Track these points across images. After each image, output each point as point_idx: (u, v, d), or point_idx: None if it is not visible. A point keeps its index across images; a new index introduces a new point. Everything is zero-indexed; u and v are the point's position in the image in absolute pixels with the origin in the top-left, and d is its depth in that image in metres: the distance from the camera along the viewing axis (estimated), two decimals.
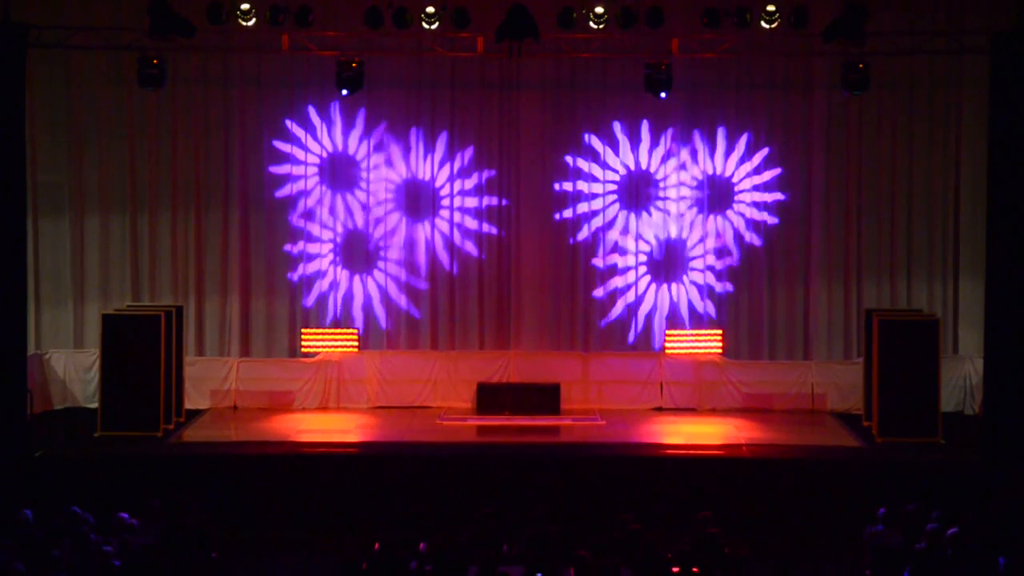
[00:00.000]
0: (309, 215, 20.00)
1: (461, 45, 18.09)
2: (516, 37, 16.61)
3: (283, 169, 20.01)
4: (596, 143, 19.95)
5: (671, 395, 19.69)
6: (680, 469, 16.25)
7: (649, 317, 20.05)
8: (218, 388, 19.67)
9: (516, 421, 18.66)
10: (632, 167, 19.95)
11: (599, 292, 20.06)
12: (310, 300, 20.00)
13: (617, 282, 20.08)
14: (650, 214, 19.94)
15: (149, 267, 19.98)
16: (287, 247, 19.99)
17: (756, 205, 19.97)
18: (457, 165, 20.05)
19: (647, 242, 20.00)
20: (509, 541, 12.38)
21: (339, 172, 20.00)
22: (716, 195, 19.93)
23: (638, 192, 19.95)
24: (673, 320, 19.92)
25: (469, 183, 20.06)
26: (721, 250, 20.00)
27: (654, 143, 19.92)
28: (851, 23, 16.71)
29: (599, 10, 16.90)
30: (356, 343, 19.46)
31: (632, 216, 19.95)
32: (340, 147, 19.99)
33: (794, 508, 15.76)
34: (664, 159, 19.93)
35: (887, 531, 12.82)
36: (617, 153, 19.95)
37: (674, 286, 19.97)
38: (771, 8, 16.98)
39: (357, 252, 20.04)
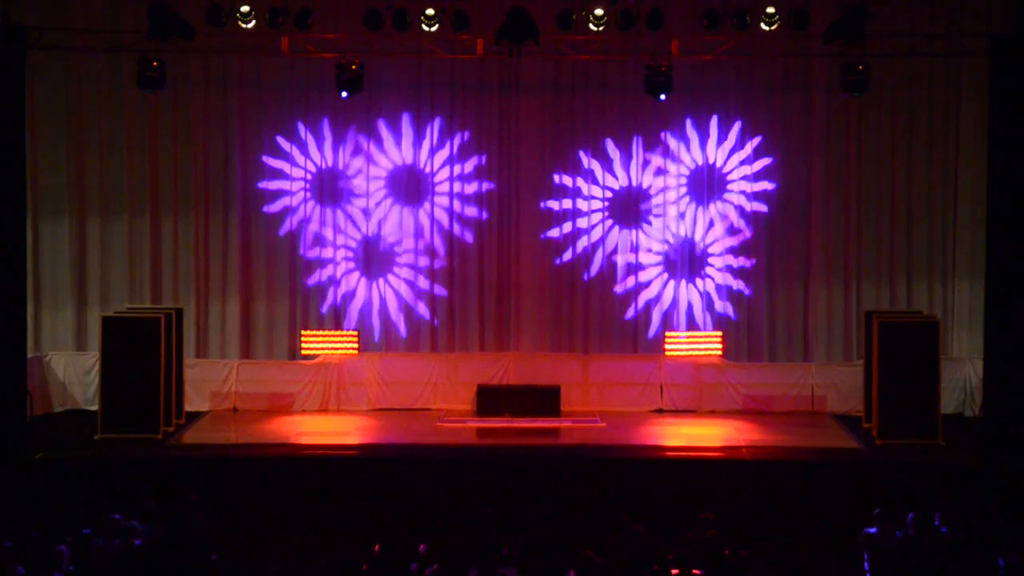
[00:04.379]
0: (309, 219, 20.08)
1: (461, 47, 18.09)
2: (516, 39, 16.60)
3: (283, 167, 20.02)
4: (595, 143, 20.01)
5: (671, 397, 19.69)
6: (680, 471, 16.25)
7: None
8: (218, 390, 19.67)
9: (516, 423, 18.66)
10: (629, 173, 19.99)
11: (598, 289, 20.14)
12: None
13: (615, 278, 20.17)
14: (649, 223, 20.00)
15: (149, 269, 19.99)
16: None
17: (754, 200, 19.99)
18: (457, 169, 20.07)
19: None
20: (509, 543, 12.37)
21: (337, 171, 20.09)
22: (713, 187, 19.97)
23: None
24: (682, 319, 19.98)
25: (470, 188, 20.07)
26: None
27: (653, 143, 19.98)
28: (851, 25, 16.71)
29: (599, 12, 16.89)
30: (356, 345, 19.45)
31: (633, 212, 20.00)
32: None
33: (794, 510, 15.76)
34: (667, 153, 20.00)
35: (884, 532, 12.82)
36: (617, 146, 19.98)
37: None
38: (771, 10, 16.97)
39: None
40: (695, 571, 11.33)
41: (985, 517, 13.35)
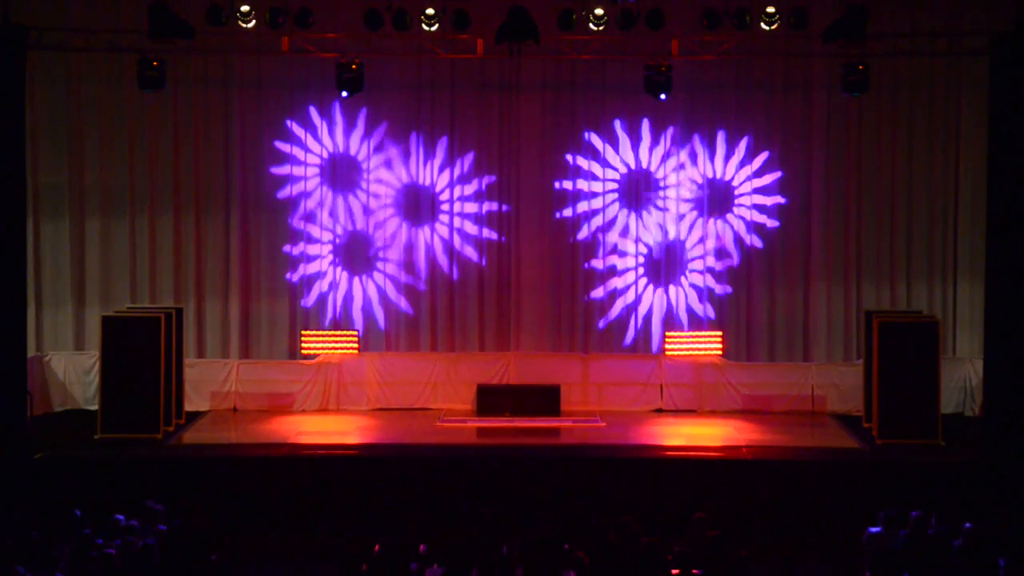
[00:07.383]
0: (310, 217, 20.02)
1: (461, 47, 18.08)
2: (516, 39, 16.59)
3: (283, 170, 20.02)
4: (596, 141, 19.96)
5: (671, 397, 19.69)
6: (680, 471, 16.25)
7: (647, 318, 20.07)
8: (218, 390, 19.66)
9: (516, 423, 18.65)
10: (632, 166, 19.97)
11: (598, 292, 20.10)
12: (310, 300, 20.01)
13: (616, 283, 20.12)
14: (650, 214, 19.97)
15: (149, 269, 19.99)
16: (287, 248, 20.01)
17: (756, 207, 19.99)
18: (457, 170, 20.07)
19: (646, 244, 20.03)
20: (509, 543, 12.37)
21: (340, 173, 20.01)
22: (716, 197, 19.95)
23: (638, 192, 19.97)
24: (671, 322, 19.94)
25: (469, 188, 20.08)
26: (720, 251, 20.02)
27: (654, 142, 19.94)
28: (851, 24, 16.71)
29: (599, 12, 16.89)
30: (356, 345, 19.45)
31: (632, 215, 19.97)
32: (341, 148, 20.01)
33: (794, 510, 15.77)
34: (664, 159, 19.95)
35: (887, 533, 12.82)
36: (617, 151, 19.97)
37: (672, 288, 19.99)
38: (771, 9, 16.96)
39: (357, 254, 20.05)
40: (695, 571, 11.33)
41: (985, 517, 13.34)
